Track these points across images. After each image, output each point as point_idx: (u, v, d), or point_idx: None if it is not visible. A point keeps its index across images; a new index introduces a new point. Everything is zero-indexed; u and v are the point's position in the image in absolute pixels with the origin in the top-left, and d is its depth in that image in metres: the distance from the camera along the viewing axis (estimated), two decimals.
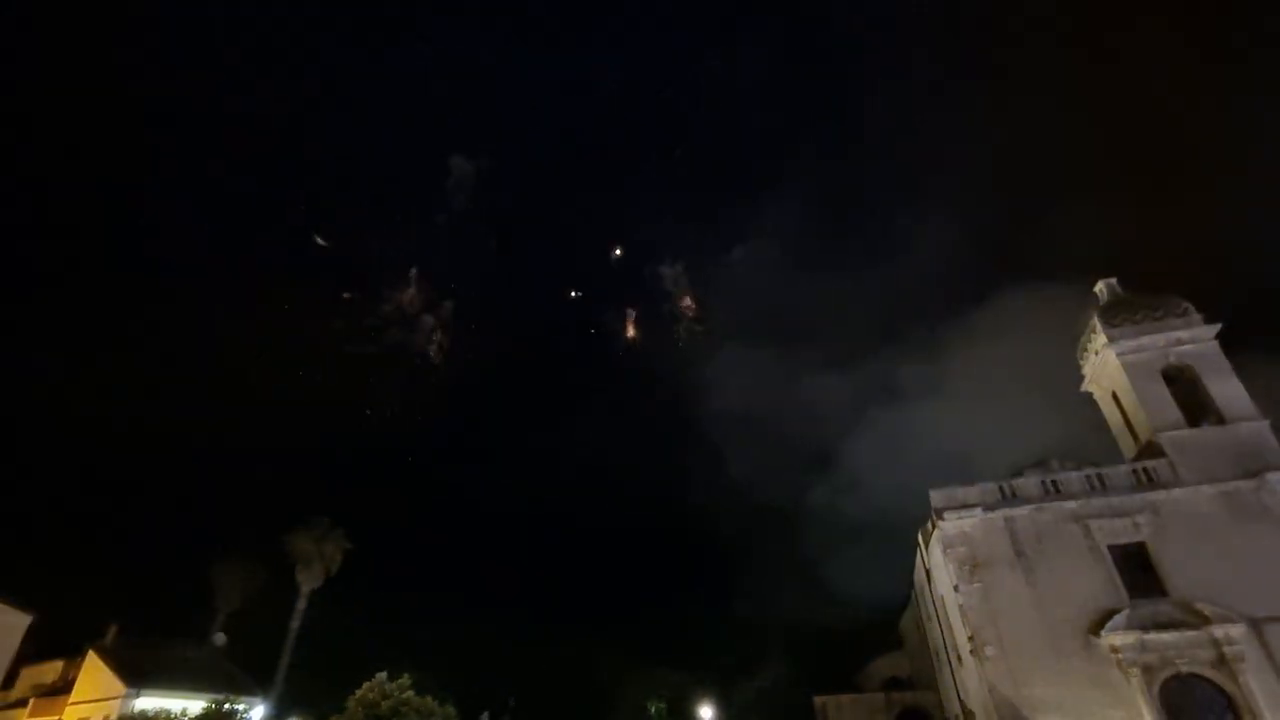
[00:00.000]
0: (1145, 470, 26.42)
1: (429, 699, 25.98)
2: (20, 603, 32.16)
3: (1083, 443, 33.94)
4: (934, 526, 28.19)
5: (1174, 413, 27.43)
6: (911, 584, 38.84)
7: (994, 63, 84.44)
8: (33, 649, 35.02)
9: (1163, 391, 28.06)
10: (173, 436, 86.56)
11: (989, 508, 27.06)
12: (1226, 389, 27.25)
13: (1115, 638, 23.42)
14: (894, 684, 42.15)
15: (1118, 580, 24.63)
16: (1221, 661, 22.46)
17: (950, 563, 26.81)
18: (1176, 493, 25.55)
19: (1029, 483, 27.51)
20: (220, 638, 45.24)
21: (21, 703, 38.59)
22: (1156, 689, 22.65)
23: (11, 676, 35.29)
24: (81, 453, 78.96)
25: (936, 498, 28.03)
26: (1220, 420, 26.65)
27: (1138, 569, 24.71)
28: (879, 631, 48.69)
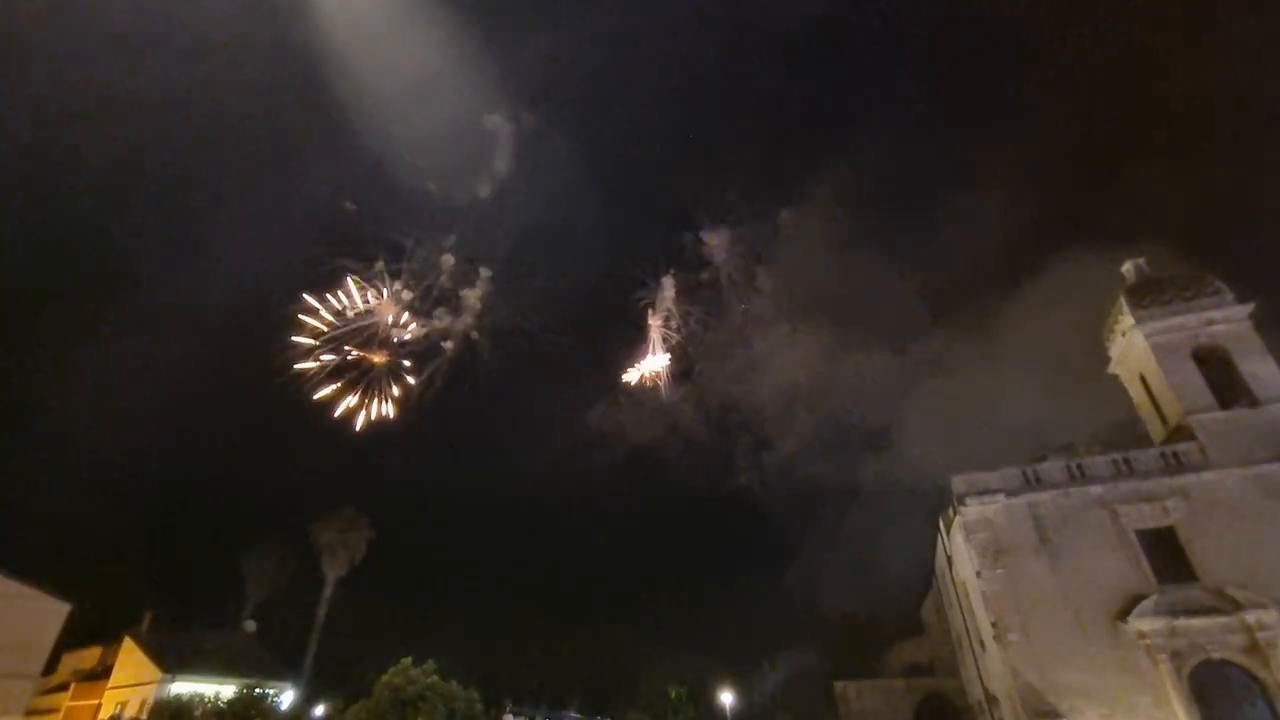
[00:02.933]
0: (1175, 454, 25.83)
1: (453, 684, 26.37)
2: (60, 592, 33.23)
3: (1108, 426, 33.29)
4: (955, 512, 27.87)
5: (1205, 395, 26.72)
6: (932, 570, 38.53)
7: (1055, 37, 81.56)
8: (72, 636, 36.23)
9: (1193, 373, 27.33)
10: (201, 431, 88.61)
11: (1012, 493, 26.68)
12: (1261, 370, 26.46)
13: (1143, 623, 23.03)
14: (915, 670, 41.98)
15: (1146, 565, 24.19)
16: (1254, 647, 21.98)
17: (972, 549, 26.50)
18: (1208, 476, 24.96)
19: (1053, 467, 27.05)
20: (250, 625, 46.36)
21: (63, 687, 40.05)
22: (1186, 675, 22.28)
23: (53, 662, 36.55)
24: (115, 449, 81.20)
25: (958, 484, 27.68)
26: (1254, 402, 25.90)
27: (1167, 554, 24.25)
28: (900, 617, 48.52)
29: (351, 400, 40.84)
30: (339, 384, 40.91)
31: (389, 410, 42.32)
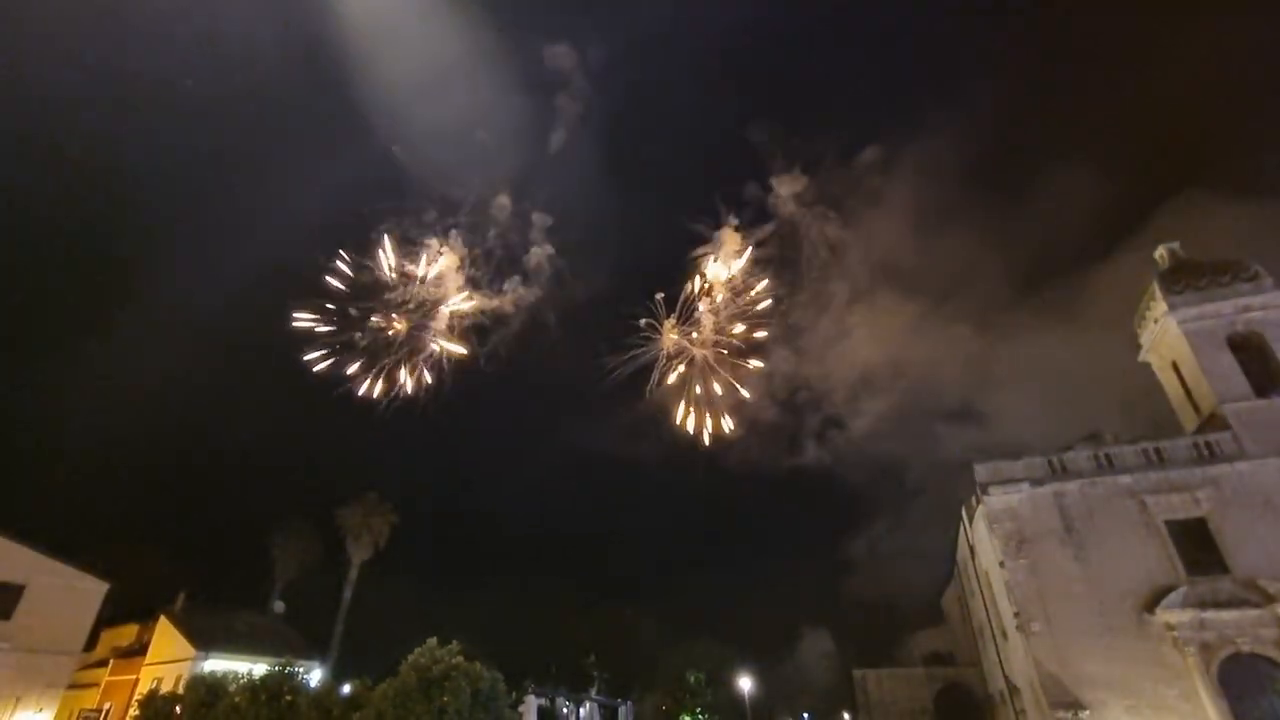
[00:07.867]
0: (1207, 443, 25.26)
1: (477, 664, 26.79)
2: (99, 572, 34.45)
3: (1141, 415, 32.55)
4: (978, 501, 27.59)
5: (1240, 383, 26.05)
6: (954, 558, 38.25)
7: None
8: (111, 614, 37.52)
9: (1228, 360, 26.64)
10: (233, 418, 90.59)
11: (1037, 482, 26.34)
12: None
13: (1171, 615, 22.69)
14: (935, 659, 41.87)
15: (1175, 556, 23.78)
16: None
17: (996, 538, 26.25)
18: (1241, 466, 24.39)
19: (1079, 457, 26.61)
20: (279, 605, 47.54)
21: (103, 663, 41.57)
22: (1215, 668, 21.94)
23: (93, 639, 37.97)
24: (151, 435, 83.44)
25: (981, 472, 27.37)
26: None
27: (1196, 545, 23.80)
28: (921, 606, 48.35)
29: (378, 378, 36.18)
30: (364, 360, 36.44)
31: (425, 379, 37.36)
